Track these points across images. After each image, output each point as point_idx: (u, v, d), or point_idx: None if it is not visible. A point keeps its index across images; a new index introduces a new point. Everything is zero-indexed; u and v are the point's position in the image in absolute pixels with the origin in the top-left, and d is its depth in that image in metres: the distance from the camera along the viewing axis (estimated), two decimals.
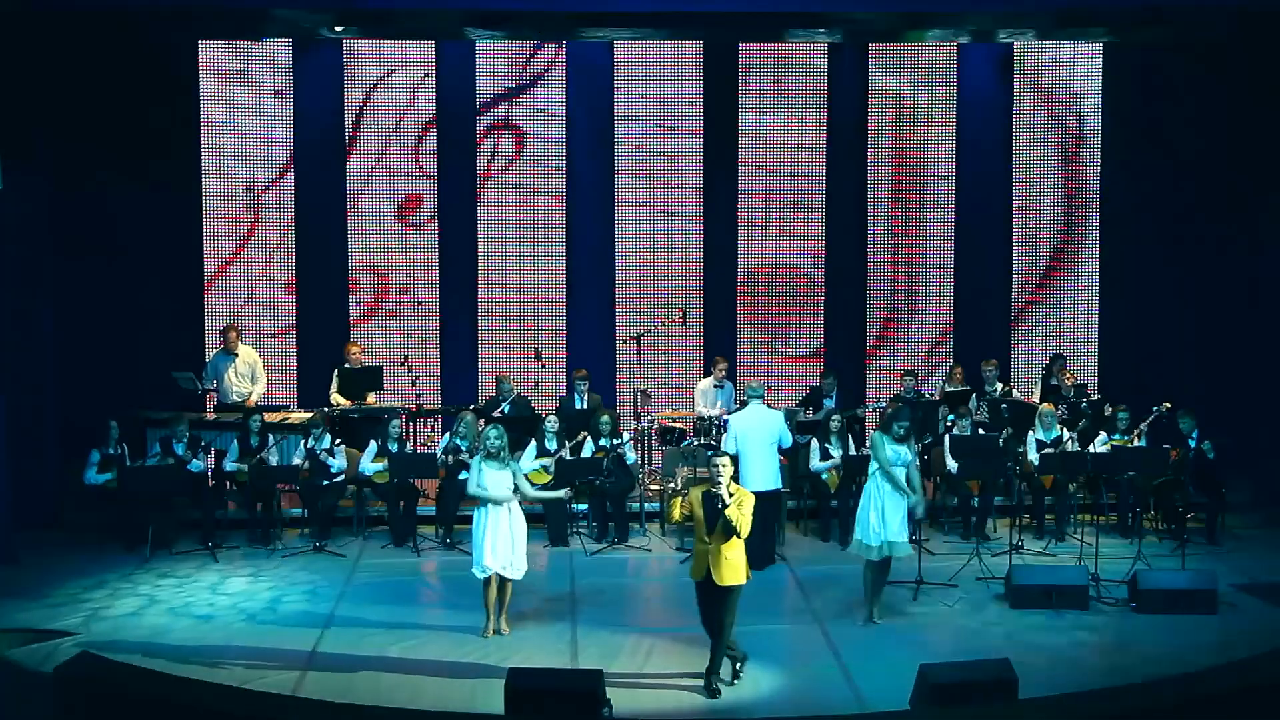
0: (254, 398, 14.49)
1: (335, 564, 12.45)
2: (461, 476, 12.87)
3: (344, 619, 10.97)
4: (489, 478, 10.41)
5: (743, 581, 9.38)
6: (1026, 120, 15.88)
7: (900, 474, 10.66)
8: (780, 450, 12.39)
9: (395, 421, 13.42)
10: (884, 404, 13.90)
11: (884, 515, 10.57)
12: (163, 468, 12.89)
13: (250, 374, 14.60)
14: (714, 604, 9.34)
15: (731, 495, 9.25)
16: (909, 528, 10.83)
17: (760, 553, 12.22)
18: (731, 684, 9.51)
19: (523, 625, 10.70)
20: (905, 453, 10.75)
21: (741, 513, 9.22)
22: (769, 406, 12.53)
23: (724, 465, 9.36)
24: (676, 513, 9.86)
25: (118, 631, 10.62)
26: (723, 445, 12.54)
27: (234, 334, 14.60)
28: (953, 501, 13.50)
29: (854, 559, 10.98)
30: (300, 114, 15.48)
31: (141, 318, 14.96)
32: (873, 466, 10.76)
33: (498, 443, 10.46)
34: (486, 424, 13.24)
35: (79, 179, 14.44)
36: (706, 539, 9.28)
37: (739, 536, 9.26)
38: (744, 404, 12.73)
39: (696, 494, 9.39)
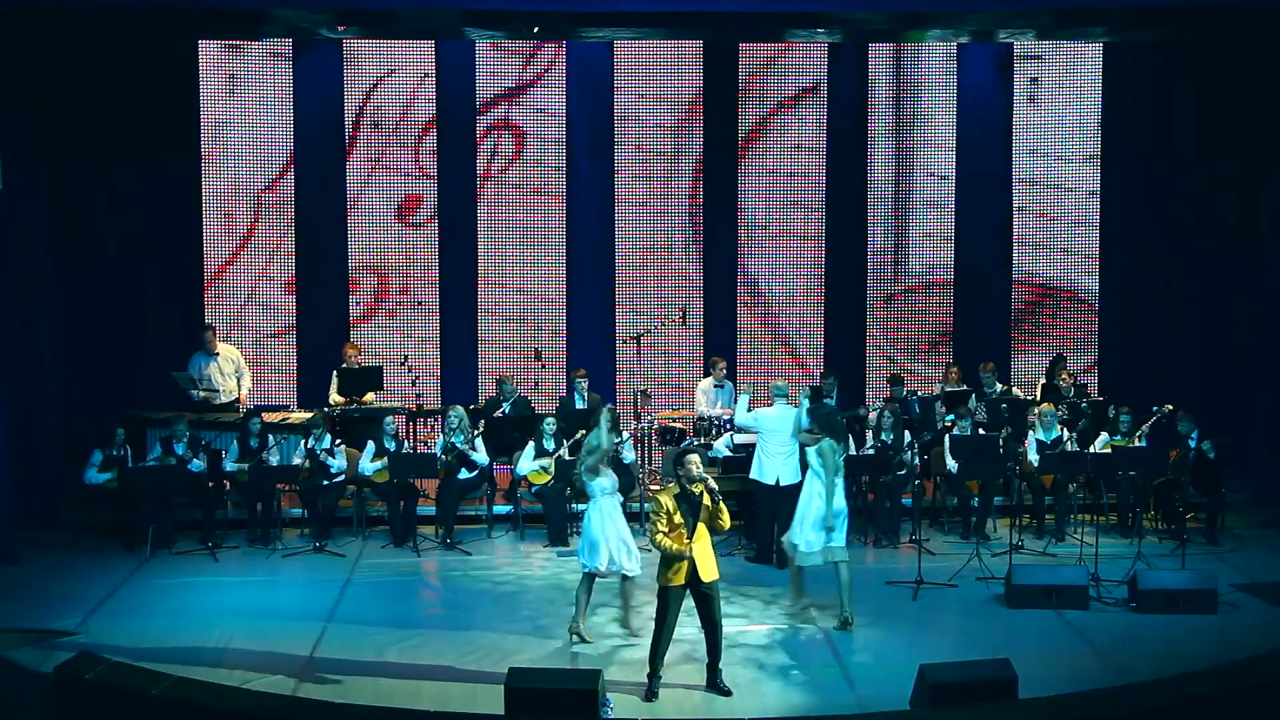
0: (242, 395, 14.49)
1: (335, 564, 12.45)
2: (461, 476, 12.93)
3: (344, 619, 10.96)
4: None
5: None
6: (1026, 120, 15.88)
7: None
8: None
9: (390, 420, 13.40)
10: (879, 405, 13.91)
11: (824, 520, 10.47)
12: (163, 468, 12.88)
13: (234, 371, 14.57)
14: (702, 603, 9.26)
15: (709, 488, 9.10)
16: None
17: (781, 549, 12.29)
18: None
19: (522, 625, 10.70)
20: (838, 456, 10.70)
21: (720, 506, 9.15)
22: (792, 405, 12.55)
23: (694, 462, 9.15)
24: (672, 543, 9.07)
25: (118, 631, 10.60)
26: (741, 423, 12.50)
27: (211, 334, 14.54)
28: (953, 501, 13.50)
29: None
30: (300, 114, 15.48)
31: (141, 318, 14.97)
32: (817, 464, 10.63)
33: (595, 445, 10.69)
34: (487, 426, 13.31)
35: (79, 179, 14.46)
36: (688, 541, 9.11)
37: (724, 526, 9.19)
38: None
39: (669, 500, 9.11)
